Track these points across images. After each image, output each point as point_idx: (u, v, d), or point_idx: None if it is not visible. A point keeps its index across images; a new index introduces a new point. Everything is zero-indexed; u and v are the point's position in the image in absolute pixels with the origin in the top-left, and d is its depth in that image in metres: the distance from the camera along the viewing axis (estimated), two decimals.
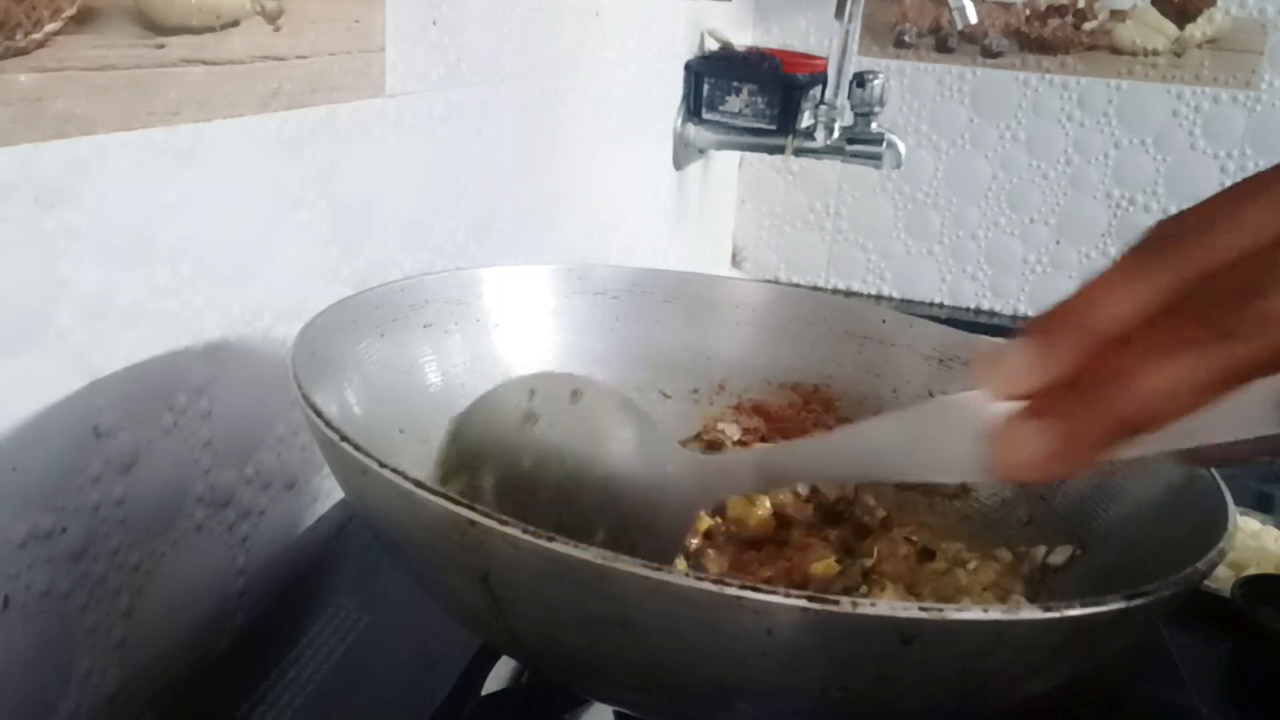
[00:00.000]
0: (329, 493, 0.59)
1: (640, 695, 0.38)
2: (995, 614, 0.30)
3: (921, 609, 0.29)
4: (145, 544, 0.45)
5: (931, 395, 0.56)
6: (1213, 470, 0.42)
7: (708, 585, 0.29)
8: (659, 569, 0.30)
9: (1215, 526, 0.37)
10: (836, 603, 0.29)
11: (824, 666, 0.31)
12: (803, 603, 0.29)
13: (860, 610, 0.29)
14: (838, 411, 0.58)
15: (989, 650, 0.31)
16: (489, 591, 0.33)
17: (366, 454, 0.35)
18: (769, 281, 1.33)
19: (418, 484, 0.33)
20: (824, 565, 0.48)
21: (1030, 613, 0.30)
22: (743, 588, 0.29)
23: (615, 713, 0.43)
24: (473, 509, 0.32)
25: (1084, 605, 0.30)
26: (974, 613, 0.30)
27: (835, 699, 0.32)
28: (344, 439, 0.36)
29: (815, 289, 1.39)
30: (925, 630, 0.29)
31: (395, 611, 0.51)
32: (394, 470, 0.34)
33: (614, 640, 0.33)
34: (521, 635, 0.36)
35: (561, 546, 0.30)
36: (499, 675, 0.47)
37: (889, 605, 0.29)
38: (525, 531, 0.31)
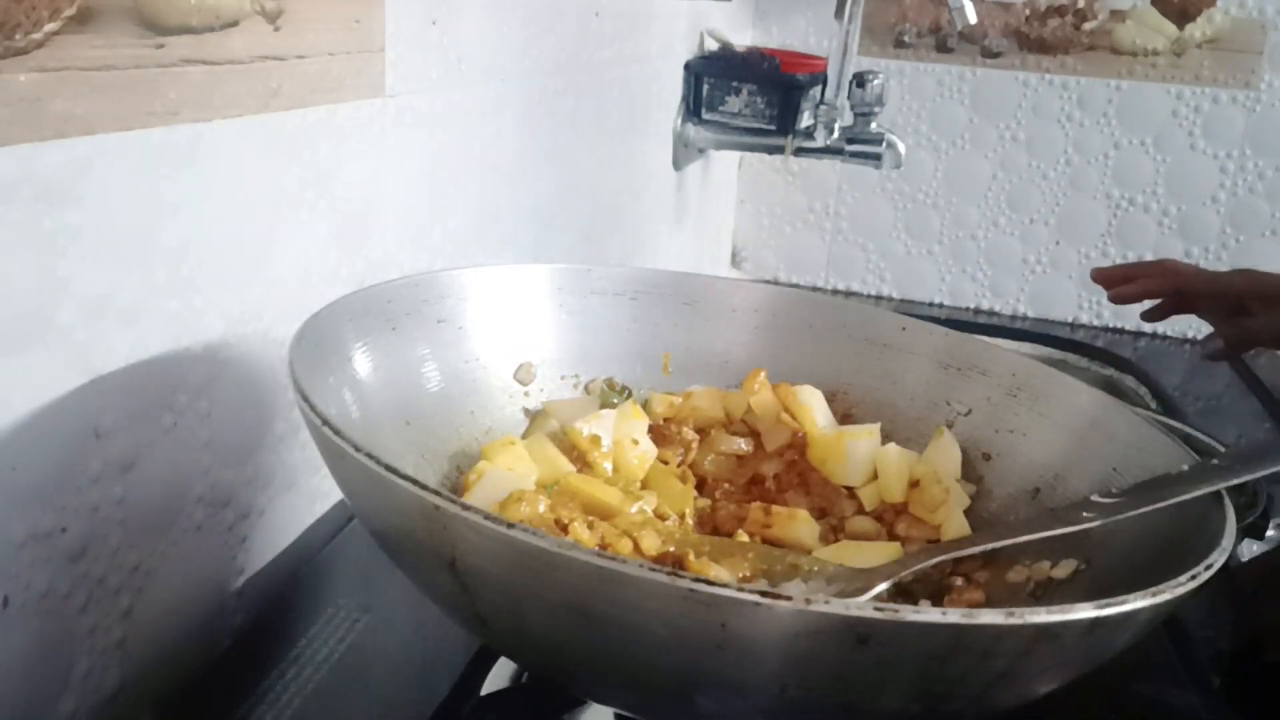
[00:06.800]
0: (329, 493, 0.59)
1: (607, 688, 0.38)
2: (953, 617, 0.29)
3: (876, 609, 0.29)
4: (145, 544, 0.45)
5: (948, 404, 0.56)
6: None
7: (660, 577, 0.29)
8: (612, 559, 0.30)
9: (1212, 537, 0.37)
10: (789, 599, 0.29)
11: (781, 663, 0.31)
12: (755, 597, 0.29)
13: (813, 607, 0.29)
14: (854, 419, 0.58)
15: (948, 653, 0.30)
16: (457, 577, 0.34)
17: (344, 438, 0.35)
18: (782, 285, 1.33)
19: (389, 469, 0.33)
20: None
21: (990, 617, 0.30)
22: (696, 580, 0.29)
23: (615, 714, 0.43)
24: (438, 494, 0.32)
25: (1049, 612, 0.30)
26: (931, 615, 0.29)
27: (797, 698, 0.32)
28: (325, 423, 0.36)
29: (816, 289, 1.39)
30: (881, 630, 0.29)
31: (395, 611, 0.51)
32: (368, 455, 0.34)
33: (575, 630, 0.33)
34: (490, 621, 0.36)
35: (519, 534, 0.31)
36: (499, 675, 0.47)
37: (843, 604, 0.29)
38: (486, 517, 0.31)
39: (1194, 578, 0.33)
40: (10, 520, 0.38)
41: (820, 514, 0.53)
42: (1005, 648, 0.31)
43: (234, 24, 0.45)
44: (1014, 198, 1.32)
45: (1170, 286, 0.80)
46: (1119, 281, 0.81)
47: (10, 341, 0.37)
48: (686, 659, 0.31)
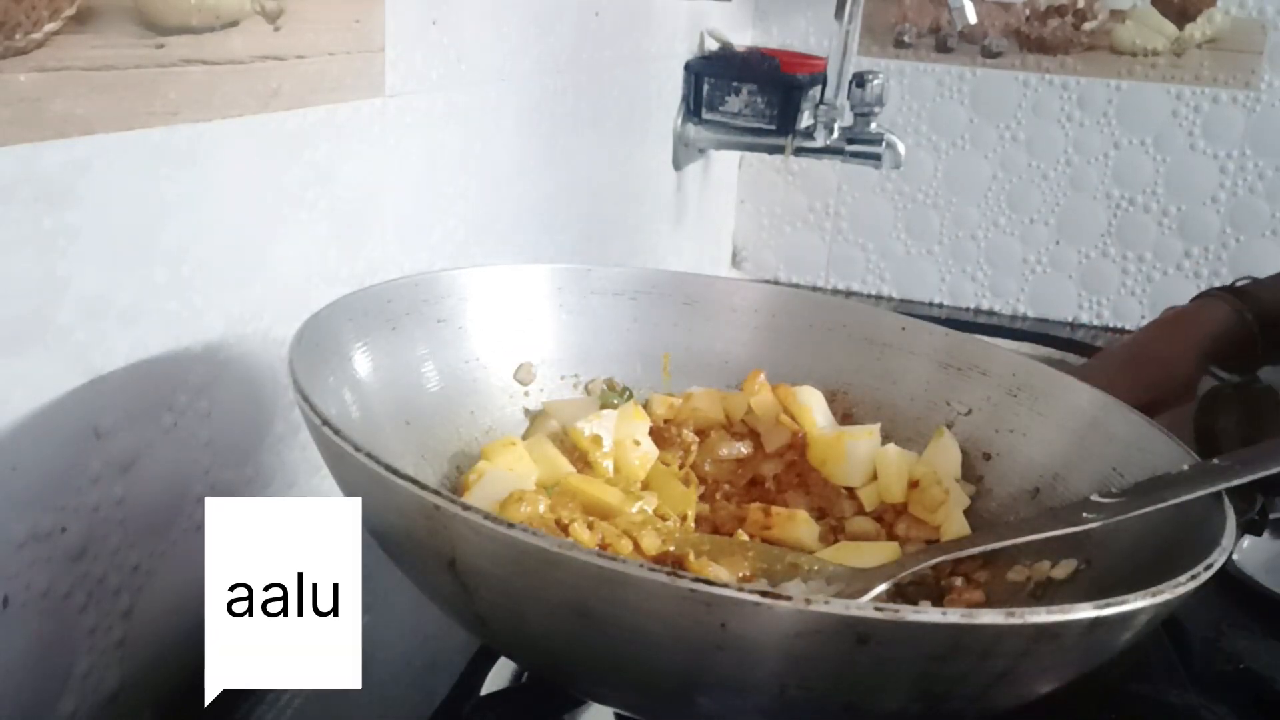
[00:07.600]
0: (329, 493, 0.59)
1: (607, 688, 0.38)
2: (953, 617, 0.29)
3: (876, 609, 0.29)
4: (145, 544, 0.45)
5: (948, 404, 0.56)
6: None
7: (660, 577, 0.29)
8: (612, 559, 0.30)
9: (1212, 537, 0.37)
10: (789, 599, 0.29)
11: (781, 663, 0.31)
12: (755, 597, 0.29)
13: (813, 608, 0.29)
14: (854, 420, 0.58)
15: (948, 654, 0.30)
16: (457, 578, 0.34)
17: (344, 438, 0.35)
18: (782, 285, 1.33)
19: (389, 469, 0.33)
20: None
21: (990, 617, 0.30)
22: (696, 580, 0.29)
23: (615, 714, 0.43)
24: (438, 494, 0.32)
25: (1049, 612, 0.30)
26: (931, 615, 0.29)
27: (797, 698, 0.32)
28: (325, 423, 0.36)
29: (816, 289, 1.39)
30: (881, 630, 0.29)
31: (395, 611, 0.51)
32: (368, 455, 0.34)
33: (575, 630, 0.33)
34: (490, 622, 0.36)
35: (519, 534, 0.31)
36: (499, 675, 0.47)
37: (843, 604, 0.29)
38: (486, 517, 0.31)
39: (1194, 578, 0.33)
40: (10, 520, 0.38)
41: (820, 514, 0.53)
42: (1005, 648, 0.31)
43: (234, 24, 0.45)
44: (1014, 198, 1.32)
45: None
46: None
47: (10, 341, 0.37)
48: (686, 659, 0.31)
